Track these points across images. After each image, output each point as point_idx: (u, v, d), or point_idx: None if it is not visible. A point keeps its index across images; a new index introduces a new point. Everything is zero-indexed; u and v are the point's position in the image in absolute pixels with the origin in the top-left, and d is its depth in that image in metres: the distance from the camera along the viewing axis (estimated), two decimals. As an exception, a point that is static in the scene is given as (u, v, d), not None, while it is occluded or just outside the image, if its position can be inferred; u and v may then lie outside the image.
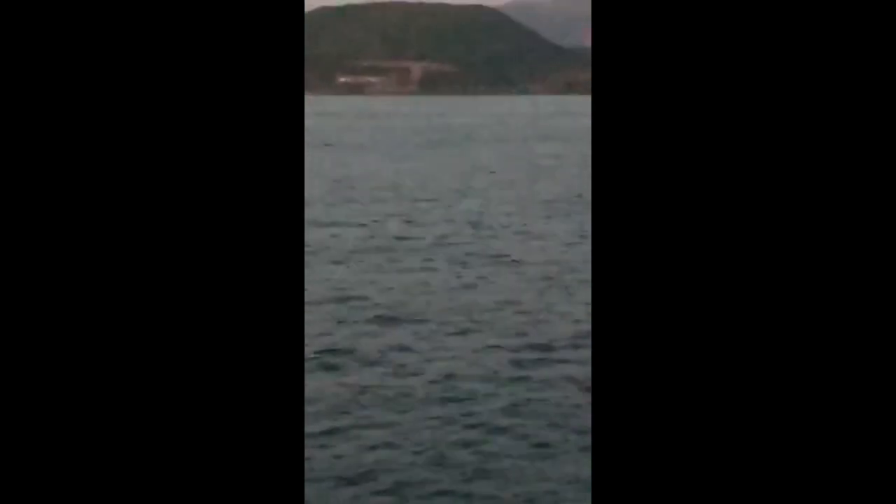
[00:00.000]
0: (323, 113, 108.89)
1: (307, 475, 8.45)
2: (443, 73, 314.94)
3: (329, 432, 9.59)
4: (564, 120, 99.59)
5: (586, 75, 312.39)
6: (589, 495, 7.35)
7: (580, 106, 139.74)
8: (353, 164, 43.51)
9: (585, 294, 15.08)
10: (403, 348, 12.78)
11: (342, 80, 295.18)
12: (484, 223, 24.88)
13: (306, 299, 15.35)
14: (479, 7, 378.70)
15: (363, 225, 24.38)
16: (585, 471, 8.25)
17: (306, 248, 20.19)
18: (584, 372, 11.00)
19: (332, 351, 12.53)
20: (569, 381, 11.14)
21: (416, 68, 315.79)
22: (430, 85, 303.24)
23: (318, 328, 13.59)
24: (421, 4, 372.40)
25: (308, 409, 10.10)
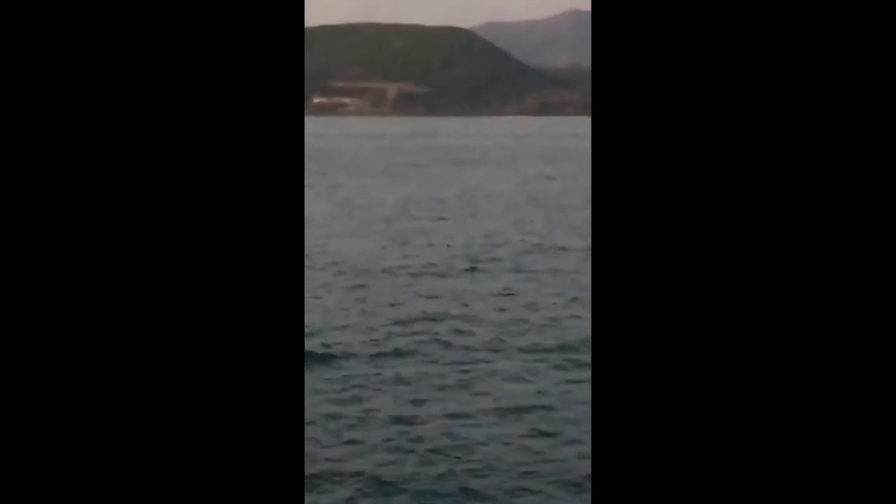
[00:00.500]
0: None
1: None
2: (417, 94, 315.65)
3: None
4: (548, 141, 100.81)
5: (560, 96, 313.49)
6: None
7: (559, 126, 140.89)
8: (351, 186, 44.35)
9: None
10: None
11: (317, 100, 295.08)
12: (496, 238, 25.95)
13: (352, 310, 16.43)
14: (452, 28, 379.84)
15: (382, 246, 25.16)
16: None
17: (331, 264, 21.22)
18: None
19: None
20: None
21: (391, 89, 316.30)
22: (404, 106, 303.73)
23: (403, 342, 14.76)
24: (395, 25, 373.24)
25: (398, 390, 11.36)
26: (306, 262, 19.73)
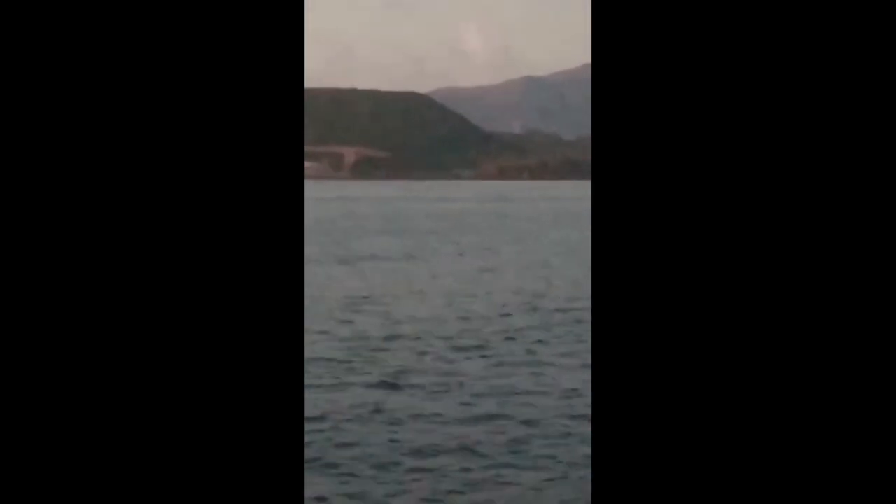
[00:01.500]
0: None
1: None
2: (375, 157, 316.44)
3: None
4: (526, 204, 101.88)
5: (516, 161, 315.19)
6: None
7: (524, 191, 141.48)
8: (350, 247, 45.33)
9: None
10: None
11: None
12: (548, 298, 26.87)
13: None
14: (410, 93, 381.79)
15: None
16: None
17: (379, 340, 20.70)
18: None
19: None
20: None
21: (349, 153, 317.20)
22: (362, 170, 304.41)
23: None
24: (352, 90, 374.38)
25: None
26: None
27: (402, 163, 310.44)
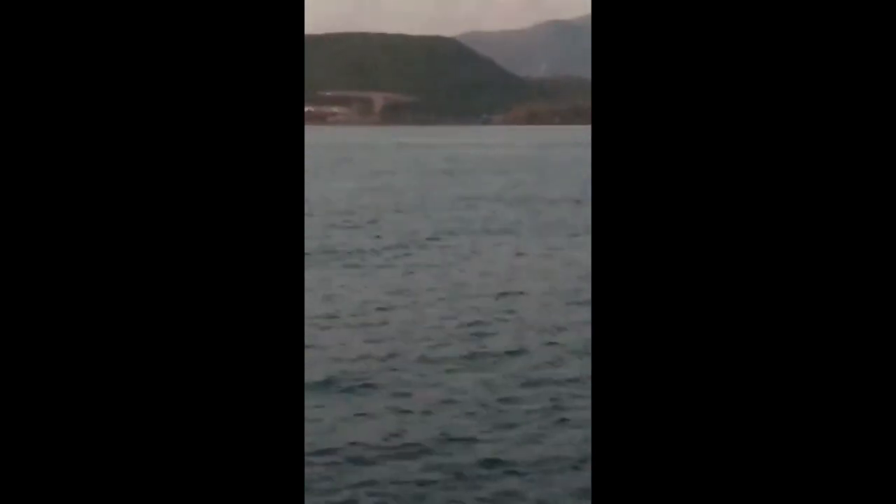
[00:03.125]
0: (315, 144, 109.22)
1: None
2: (404, 103, 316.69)
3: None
4: (559, 150, 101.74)
5: (547, 106, 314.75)
6: None
7: (551, 136, 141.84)
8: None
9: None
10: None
11: (305, 109, 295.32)
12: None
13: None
14: (437, 38, 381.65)
15: None
16: None
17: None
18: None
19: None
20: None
21: (378, 98, 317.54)
22: (392, 115, 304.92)
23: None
24: (380, 35, 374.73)
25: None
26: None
27: (432, 108, 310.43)
